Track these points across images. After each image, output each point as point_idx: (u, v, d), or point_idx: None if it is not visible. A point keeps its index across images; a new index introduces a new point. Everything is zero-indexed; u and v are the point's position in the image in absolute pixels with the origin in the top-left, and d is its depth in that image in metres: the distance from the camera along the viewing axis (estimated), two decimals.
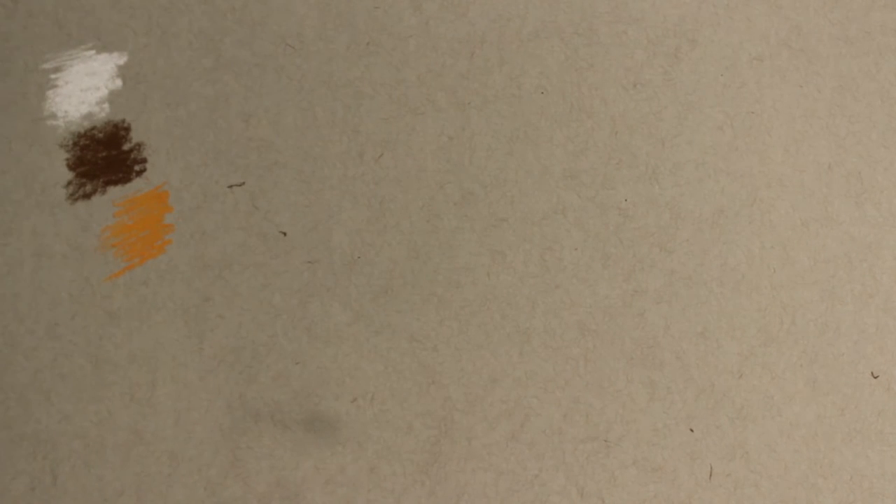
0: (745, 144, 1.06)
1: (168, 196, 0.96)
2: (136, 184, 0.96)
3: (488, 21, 1.04)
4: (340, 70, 1.01)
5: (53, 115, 0.96)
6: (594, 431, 0.99)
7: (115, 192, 0.96)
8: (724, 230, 1.04)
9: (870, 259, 1.05)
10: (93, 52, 0.97)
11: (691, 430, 1.00)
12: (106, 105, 0.97)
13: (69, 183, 0.95)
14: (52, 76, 0.96)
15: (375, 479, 0.95)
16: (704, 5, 1.08)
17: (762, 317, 1.03)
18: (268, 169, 0.98)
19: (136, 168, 0.96)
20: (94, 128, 0.96)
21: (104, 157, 0.96)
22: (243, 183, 0.98)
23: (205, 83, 0.98)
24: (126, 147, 0.96)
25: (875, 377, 1.04)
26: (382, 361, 0.97)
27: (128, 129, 0.97)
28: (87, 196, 0.95)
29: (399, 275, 0.98)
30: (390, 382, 0.97)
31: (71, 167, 0.95)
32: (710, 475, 0.99)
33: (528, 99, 1.03)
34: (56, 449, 0.91)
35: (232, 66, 0.99)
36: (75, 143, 0.96)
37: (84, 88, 0.97)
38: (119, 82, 0.97)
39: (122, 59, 0.98)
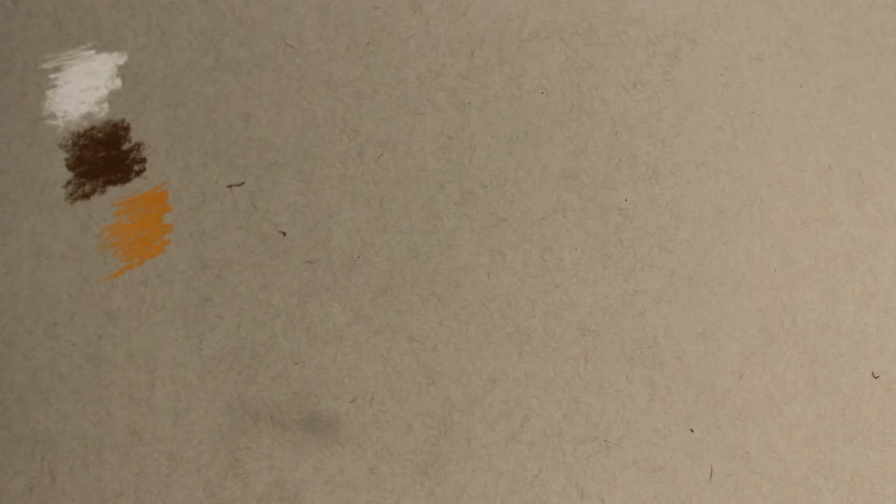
0: (745, 144, 1.06)
1: (167, 196, 0.96)
2: (136, 183, 0.96)
3: (488, 21, 1.04)
4: (340, 70, 1.01)
5: (53, 115, 0.96)
6: (594, 431, 0.98)
7: (114, 191, 0.95)
8: (724, 230, 1.04)
9: (870, 259, 1.05)
10: (92, 52, 0.97)
11: (691, 431, 1.00)
12: (105, 105, 0.97)
13: (69, 183, 0.95)
14: (52, 76, 0.96)
15: (375, 479, 0.94)
16: (704, 5, 1.08)
17: (762, 317, 1.03)
18: (267, 169, 0.98)
19: (136, 168, 0.96)
20: (93, 128, 0.96)
21: (103, 156, 0.96)
22: (243, 183, 0.97)
23: (204, 83, 0.98)
24: (125, 147, 0.96)
25: (875, 377, 1.03)
26: (382, 361, 0.97)
27: (127, 129, 0.97)
28: (86, 196, 0.95)
29: (399, 275, 0.98)
30: (390, 382, 0.96)
31: (70, 167, 0.95)
32: (711, 475, 0.99)
33: (528, 99, 1.03)
34: (55, 449, 0.91)
35: (232, 66, 0.99)
36: (75, 143, 0.95)
37: (83, 88, 0.97)
38: (119, 82, 0.97)
39: (121, 59, 0.98)
